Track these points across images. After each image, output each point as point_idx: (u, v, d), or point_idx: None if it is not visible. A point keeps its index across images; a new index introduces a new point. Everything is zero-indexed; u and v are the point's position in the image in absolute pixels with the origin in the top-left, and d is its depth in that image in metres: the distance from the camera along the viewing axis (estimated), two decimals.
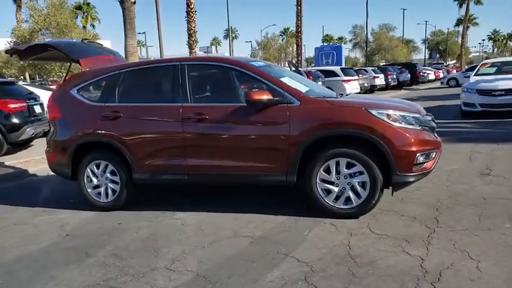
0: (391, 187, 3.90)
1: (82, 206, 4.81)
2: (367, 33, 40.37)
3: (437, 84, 30.93)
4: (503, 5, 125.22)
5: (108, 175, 4.63)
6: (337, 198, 3.91)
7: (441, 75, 36.85)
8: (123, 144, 4.45)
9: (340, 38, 78.99)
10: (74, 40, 5.29)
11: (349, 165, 3.83)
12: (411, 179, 3.77)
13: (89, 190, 4.73)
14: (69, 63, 5.28)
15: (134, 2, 9.84)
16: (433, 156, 3.91)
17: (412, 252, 3.12)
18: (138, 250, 3.56)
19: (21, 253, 3.69)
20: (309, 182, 3.94)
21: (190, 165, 4.29)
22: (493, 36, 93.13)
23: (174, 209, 4.52)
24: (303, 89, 4.26)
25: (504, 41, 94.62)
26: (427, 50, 74.71)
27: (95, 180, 4.69)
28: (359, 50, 54.94)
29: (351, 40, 59.11)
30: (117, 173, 4.58)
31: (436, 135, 4.11)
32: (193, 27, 20.53)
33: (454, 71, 41.03)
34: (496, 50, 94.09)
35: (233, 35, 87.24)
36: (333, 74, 19.56)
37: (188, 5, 20.39)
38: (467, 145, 6.95)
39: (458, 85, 26.92)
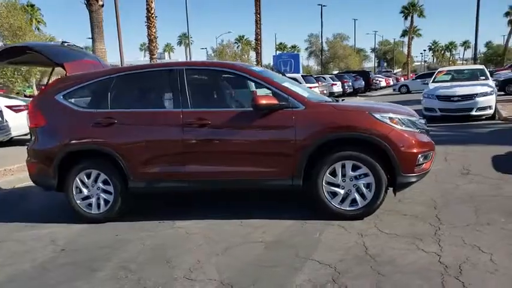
0: (391, 188, 4.04)
1: (68, 218, 4.55)
2: (322, 42, 41.64)
3: (390, 90, 32.43)
4: (443, 18, 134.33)
5: (100, 185, 4.41)
6: (342, 200, 3.98)
7: (391, 83, 38.78)
8: (118, 151, 4.26)
9: (294, 47, 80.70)
10: (53, 43, 5.00)
11: (354, 168, 3.91)
12: (413, 179, 3.93)
13: (78, 201, 4.47)
14: (51, 68, 4.99)
15: (102, 5, 9.50)
16: (430, 157, 4.09)
17: (427, 249, 3.24)
18: (147, 261, 3.41)
19: (14, 271, 3.41)
20: (315, 185, 3.98)
21: (191, 171, 4.18)
22: (433, 47, 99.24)
23: (171, 218, 4.39)
24: (304, 93, 4.31)
25: (442, 52, 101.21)
26: (375, 59, 78.22)
27: (85, 190, 4.44)
28: (314, 58, 56.55)
29: (306, 48, 60.66)
30: (111, 182, 4.37)
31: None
32: (154, 32, 20.17)
33: (402, 78, 43.32)
34: (435, 59, 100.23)
35: (187, 41, 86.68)
36: (295, 81, 19.91)
37: (148, 10, 20.01)
38: (439, 147, 7.24)
39: (409, 91, 28.46)
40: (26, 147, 4.78)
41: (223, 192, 5.12)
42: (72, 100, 4.56)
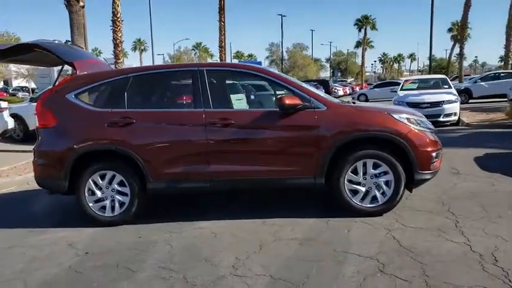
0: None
1: (76, 222, 4.43)
2: (282, 51, 42.50)
3: (349, 98, 33.57)
4: (393, 31, 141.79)
5: (116, 186, 4.29)
6: (363, 197, 4.14)
7: (348, 91, 40.25)
8: (137, 152, 4.17)
9: (251, 55, 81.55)
10: (57, 41, 4.81)
11: (375, 166, 4.09)
12: (429, 177, 4.17)
13: (91, 204, 4.32)
14: (61, 66, 4.80)
15: (83, 6, 9.14)
16: (440, 155, 4.36)
17: (455, 240, 3.46)
18: (185, 261, 3.37)
19: (45, 276, 3.25)
20: (337, 183, 4.11)
21: (214, 171, 4.18)
22: (382, 59, 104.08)
23: (187, 219, 4.35)
24: (322, 94, 4.45)
25: (391, 63, 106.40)
26: (329, 69, 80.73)
27: (98, 192, 4.30)
28: (275, 66, 57.48)
29: (267, 57, 61.57)
30: (127, 183, 4.26)
31: None
32: (120, 36, 19.61)
33: (357, 88, 45.09)
34: (384, 70, 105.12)
35: (142, 47, 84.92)
36: (262, 88, 20.15)
37: (114, 14, 19.46)
38: None
39: (367, 100, 29.68)
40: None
41: (233, 192, 5.14)
42: (85, 99, 4.42)
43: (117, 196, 4.31)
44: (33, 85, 34.39)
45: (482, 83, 19.85)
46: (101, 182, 4.29)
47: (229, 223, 4.20)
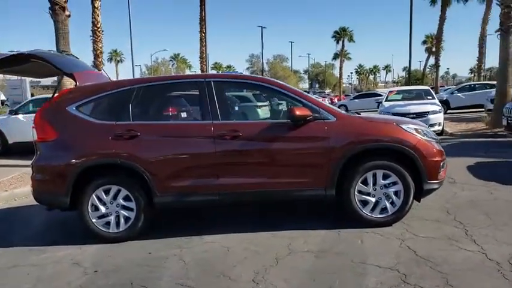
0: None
1: (75, 239, 4.30)
2: (262, 62, 42.86)
3: None
4: (370, 43, 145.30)
5: (121, 201, 4.17)
6: (373, 208, 4.15)
7: (327, 102, 40.75)
8: (143, 165, 4.07)
9: (229, 66, 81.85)
10: (52, 51, 4.68)
11: (384, 177, 4.12)
12: (437, 186, 4.22)
13: (94, 220, 4.17)
14: (60, 77, 4.66)
15: (69, 15, 8.94)
16: (445, 165, 4.43)
17: (469, 248, 3.50)
18: (202, 277, 3.29)
19: None
20: (347, 194, 4.11)
21: (222, 184, 4.11)
22: (358, 70, 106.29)
23: (193, 234, 4.25)
24: (331, 106, 4.47)
25: (367, 75, 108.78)
26: (307, 80, 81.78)
27: (102, 208, 4.16)
28: None
29: (248, 68, 61.91)
30: (133, 198, 4.15)
31: None
32: (100, 47, 19.27)
33: (336, 99, 45.81)
34: (360, 82, 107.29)
35: (118, 58, 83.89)
36: (246, 99, 20.21)
37: (94, 24, 19.16)
38: None
39: (347, 110, 30.11)
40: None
41: (236, 206, 5.07)
42: (87, 112, 4.28)
43: (122, 211, 4.18)
44: (3, 97, 33.29)
45: (459, 94, 20.46)
46: (105, 197, 4.16)
47: (239, 236, 4.13)
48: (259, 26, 39.95)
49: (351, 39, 55.78)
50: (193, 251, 3.84)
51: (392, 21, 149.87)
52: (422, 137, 4.19)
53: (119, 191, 4.16)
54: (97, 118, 4.27)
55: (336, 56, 61.35)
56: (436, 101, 12.68)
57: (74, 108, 4.26)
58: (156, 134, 4.17)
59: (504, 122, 9.58)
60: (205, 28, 29.49)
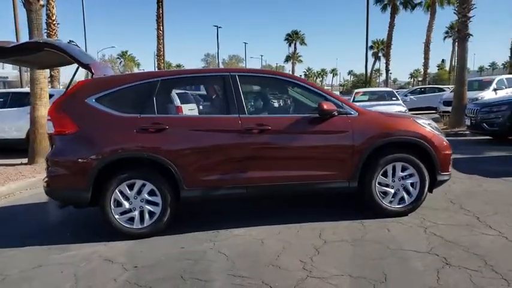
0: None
1: (93, 236, 4.13)
2: (218, 62, 42.66)
3: None
4: (319, 46, 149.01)
5: (146, 196, 4.06)
6: (392, 199, 4.38)
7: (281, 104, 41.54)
8: (171, 159, 4.01)
9: (179, 65, 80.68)
10: (59, 40, 4.44)
11: (403, 169, 4.37)
12: (447, 178, 4.54)
13: (117, 216, 4.04)
14: (75, 69, 4.43)
15: (43, 5, 8.41)
16: (451, 158, 4.77)
17: (489, 233, 3.81)
18: (251, 267, 3.30)
19: None
20: (369, 186, 4.31)
21: (250, 177, 4.15)
22: (307, 73, 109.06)
23: (216, 228, 4.24)
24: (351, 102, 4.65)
25: (315, 78, 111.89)
26: None
27: (126, 203, 4.04)
28: None
29: (203, 67, 61.41)
30: (159, 192, 4.06)
31: None
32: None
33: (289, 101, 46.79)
34: None
35: None
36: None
37: (49, 16, 18.09)
38: None
39: None
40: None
41: (250, 199, 5.11)
42: (107, 104, 4.13)
43: (146, 206, 4.08)
44: None
45: (412, 97, 21.74)
46: (129, 192, 4.04)
47: (265, 229, 4.18)
48: (215, 26, 39.78)
49: (302, 43, 57.25)
50: (227, 244, 3.84)
51: (341, 26, 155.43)
52: (436, 132, 4.49)
53: (143, 185, 4.06)
54: (118, 111, 4.13)
55: (287, 59, 62.68)
56: (401, 102, 13.42)
57: (94, 100, 4.09)
58: (184, 128, 4.11)
59: (467, 122, 10.38)
60: (162, 25, 28.92)
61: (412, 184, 4.40)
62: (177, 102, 4.50)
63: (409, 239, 3.78)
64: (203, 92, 8.50)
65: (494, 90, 15.59)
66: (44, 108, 8.49)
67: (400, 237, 3.84)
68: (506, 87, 15.85)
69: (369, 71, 33.76)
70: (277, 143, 4.18)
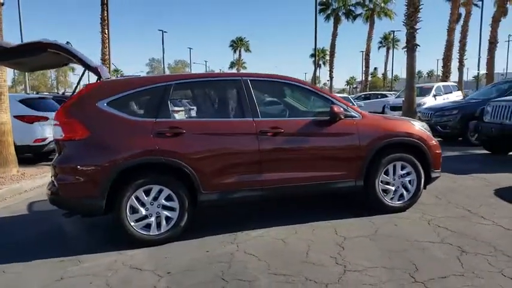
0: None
1: (106, 246, 3.99)
2: (164, 67, 41.82)
3: None
4: (265, 53, 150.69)
5: (163, 201, 4.00)
6: (393, 195, 4.69)
7: None
8: (189, 163, 3.99)
9: (116, 71, 77.97)
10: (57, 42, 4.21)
11: (402, 167, 4.70)
12: (439, 175, 4.94)
13: (132, 223, 3.93)
14: (82, 72, 4.23)
15: (3, 4, 7.80)
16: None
17: (485, 223, 4.24)
18: (287, 266, 3.39)
19: None
20: (373, 184, 4.59)
21: (265, 179, 4.23)
22: None
23: (231, 230, 4.28)
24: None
25: None
26: None
27: (142, 210, 3.95)
28: None
29: (148, 73, 59.83)
30: (176, 197, 4.02)
31: None
32: None
33: None
34: None
35: None
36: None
37: None
38: None
39: None
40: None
41: (265, 201, 5.17)
42: (120, 108, 4.01)
43: (163, 212, 4.01)
44: None
45: (359, 103, 22.92)
46: (145, 198, 3.95)
47: (281, 229, 4.28)
48: (160, 30, 39.04)
49: (247, 49, 57.92)
50: (251, 245, 3.89)
51: (284, 35, 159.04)
52: (428, 133, 4.88)
53: (160, 190, 3.99)
54: (132, 115, 4.04)
55: (232, 65, 63.07)
56: (357, 107, 14.13)
57: (105, 104, 3.97)
58: (201, 132, 4.11)
59: None
60: (108, 29, 27.87)
61: (410, 181, 4.74)
62: (191, 105, 4.48)
63: (418, 231, 4.08)
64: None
65: (434, 96, 17.02)
66: (4, 114, 7.88)
67: (410, 230, 4.13)
68: (442, 94, 17.40)
69: (310, 78, 34.87)
70: (290, 145, 4.31)
